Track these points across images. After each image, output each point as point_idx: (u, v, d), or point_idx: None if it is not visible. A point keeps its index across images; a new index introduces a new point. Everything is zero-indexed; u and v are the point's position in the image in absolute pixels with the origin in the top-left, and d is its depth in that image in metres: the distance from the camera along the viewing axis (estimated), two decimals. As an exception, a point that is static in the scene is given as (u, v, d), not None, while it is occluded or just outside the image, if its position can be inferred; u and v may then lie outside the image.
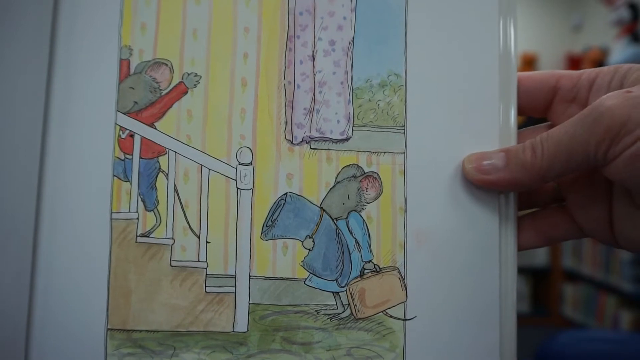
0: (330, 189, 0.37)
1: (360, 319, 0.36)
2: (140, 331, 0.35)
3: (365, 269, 0.37)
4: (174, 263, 0.36)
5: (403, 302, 0.36)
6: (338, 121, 0.37)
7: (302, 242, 0.37)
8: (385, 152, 0.37)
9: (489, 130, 0.37)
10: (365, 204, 0.37)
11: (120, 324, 0.35)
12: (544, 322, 3.33)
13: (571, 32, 3.83)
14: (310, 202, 0.37)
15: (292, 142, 0.37)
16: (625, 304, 2.91)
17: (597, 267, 3.07)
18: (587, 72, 0.37)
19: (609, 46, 3.20)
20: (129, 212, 0.36)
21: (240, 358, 0.35)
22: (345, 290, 0.36)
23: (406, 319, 0.36)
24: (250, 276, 0.36)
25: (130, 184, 0.36)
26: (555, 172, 0.33)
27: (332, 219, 0.37)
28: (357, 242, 0.37)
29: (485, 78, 0.37)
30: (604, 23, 3.26)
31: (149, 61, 0.37)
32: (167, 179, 0.36)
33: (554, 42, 3.80)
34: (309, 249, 0.37)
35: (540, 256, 3.46)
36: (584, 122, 0.32)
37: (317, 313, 0.36)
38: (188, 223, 0.36)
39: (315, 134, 0.37)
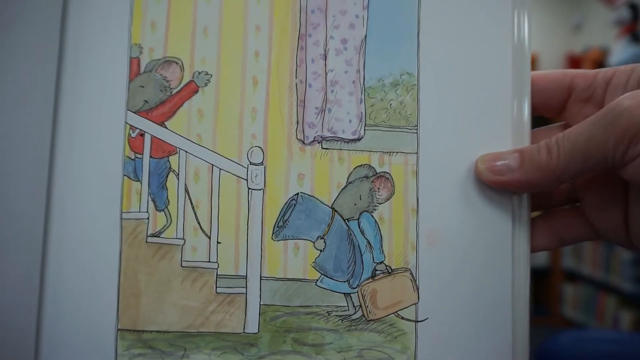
0: (342, 189, 0.36)
1: (371, 320, 0.36)
2: (151, 332, 0.35)
3: (376, 270, 0.36)
4: (184, 263, 0.36)
5: (415, 304, 0.36)
6: (350, 121, 0.37)
7: (314, 242, 0.36)
8: (397, 152, 0.37)
9: (503, 129, 0.36)
10: (377, 204, 0.37)
11: (131, 324, 0.35)
12: (544, 322, 3.33)
13: (571, 32, 3.83)
14: (322, 202, 0.36)
15: (303, 142, 0.36)
16: (625, 304, 2.91)
17: (597, 267, 3.08)
18: (602, 72, 0.36)
19: (609, 46, 3.20)
20: (139, 212, 0.35)
21: (251, 359, 0.35)
22: (357, 292, 0.36)
23: (418, 321, 0.36)
24: (261, 277, 0.36)
25: (141, 183, 0.36)
26: (571, 173, 0.33)
27: (344, 220, 0.36)
28: (369, 243, 0.36)
29: (498, 75, 0.37)
30: (604, 23, 3.26)
31: (159, 59, 0.36)
32: (178, 179, 0.36)
33: (554, 42, 3.79)
34: (320, 250, 0.36)
35: (540, 256, 3.46)
36: (601, 122, 0.31)
37: (329, 314, 0.36)
38: (199, 223, 0.36)
39: (326, 134, 0.37)
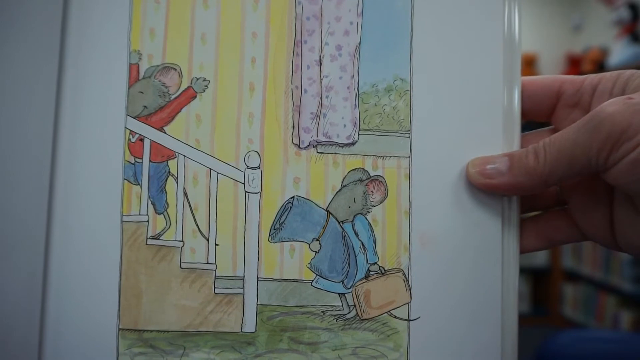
0: (337, 192, 0.37)
1: (365, 319, 0.37)
2: (151, 331, 0.36)
3: (370, 270, 0.37)
4: (183, 265, 0.37)
5: (407, 303, 0.37)
6: (344, 125, 0.38)
7: (309, 244, 0.37)
8: (390, 156, 0.38)
9: (494, 133, 0.37)
10: (371, 207, 0.37)
11: (132, 324, 0.36)
12: (544, 322, 3.33)
13: (571, 32, 3.83)
14: (317, 205, 0.37)
15: (299, 146, 0.37)
16: (625, 304, 2.92)
17: (597, 267, 3.08)
18: (589, 78, 0.37)
19: (609, 46, 3.21)
20: (140, 215, 0.36)
21: (248, 357, 0.36)
22: (351, 292, 0.37)
23: (410, 320, 0.37)
24: (258, 278, 0.37)
25: (141, 187, 0.37)
26: (557, 177, 0.34)
27: (338, 222, 0.37)
28: (363, 245, 0.37)
29: (490, 80, 0.37)
30: (604, 23, 3.26)
31: (158, 66, 0.37)
32: (177, 183, 0.37)
33: (554, 42, 3.80)
34: (316, 252, 0.37)
35: (540, 256, 3.47)
36: (585, 128, 0.32)
37: (324, 314, 0.37)
38: (197, 226, 0.37)
39: (322, 138, 0.38)
